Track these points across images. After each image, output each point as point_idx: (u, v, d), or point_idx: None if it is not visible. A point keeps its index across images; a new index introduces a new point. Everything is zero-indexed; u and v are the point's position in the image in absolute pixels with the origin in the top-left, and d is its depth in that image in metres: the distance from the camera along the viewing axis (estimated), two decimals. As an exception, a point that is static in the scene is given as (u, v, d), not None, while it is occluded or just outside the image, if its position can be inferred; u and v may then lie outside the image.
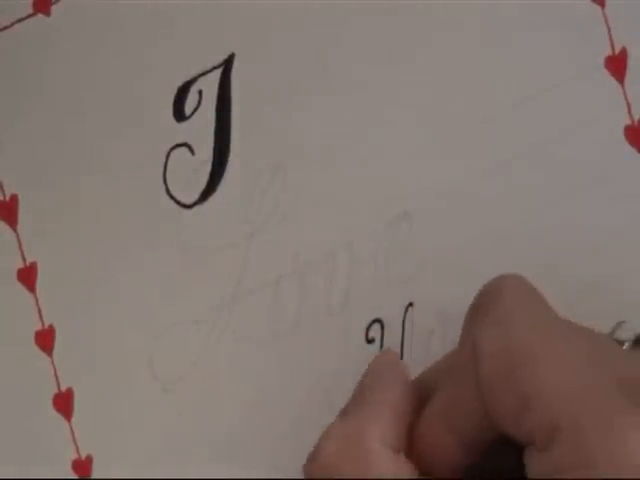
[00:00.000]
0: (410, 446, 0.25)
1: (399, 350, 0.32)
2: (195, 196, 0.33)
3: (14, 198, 0.35)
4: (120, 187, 0.34)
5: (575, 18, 0.31)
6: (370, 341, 0.32)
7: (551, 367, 0.23)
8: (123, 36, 0.34)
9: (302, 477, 0.26)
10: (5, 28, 0.35)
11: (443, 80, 0.32)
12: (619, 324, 0.26)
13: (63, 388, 0.34)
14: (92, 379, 0.33)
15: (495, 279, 0.26)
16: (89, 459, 0.33)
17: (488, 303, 0.25)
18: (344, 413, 0.26)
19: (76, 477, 0.33)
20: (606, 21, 0.31)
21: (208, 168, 0.33)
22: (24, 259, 0.34)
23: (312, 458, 0.25)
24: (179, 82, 0.34)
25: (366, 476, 0.24)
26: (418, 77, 0.32)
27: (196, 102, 0.34)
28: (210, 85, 0.34)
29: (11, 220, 0.34)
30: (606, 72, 0.31)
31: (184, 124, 0.34)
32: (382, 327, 0.32)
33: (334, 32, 0.33)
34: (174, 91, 0.34)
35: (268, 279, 0.33)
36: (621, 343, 0.25)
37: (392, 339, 0.32)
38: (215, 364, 0.33)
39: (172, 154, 0.34)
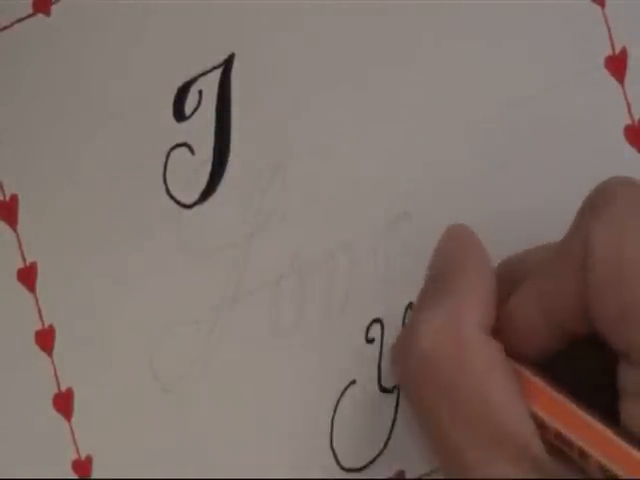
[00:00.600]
0: (498, 325, 0.26)
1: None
2: (195, 196, 0.33)
3: (14, 198, 0.34)
4: (120, 187, 0.34)
5: (575, 18, 0.31)
6: (370, 341, 0.32)
7: None
8: (123, 36, 0.34)
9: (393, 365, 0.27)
10: (5, 28, 0.35)
11: (443, 80, 0.32)
12: None
13: (63, 388, 0.34)
14: (92, 379, 0.33)
15: (610, 179, 0.25)
16: (89, 459, 0.33)
17: (603, 202, 0.24)
18: (434, 293, 0.26)
19: (76, 477, 0.33)
20: (606, 21, 0.31)
21: (208, 168, 0.33)
22: (24, 259, 0.34)
23: (409, 336, 0.25)
24: (179, 82, 0.34)
25: (461, 366, 0.24)
26: (418, 77, 0.32)
27: (196, 102, 0.34)
28: (210, 85, 0.34)
29: (11, 220, 0.34)
30: (606, 72, 0.31)
31: (184, 124, 0.34)
32: (382, 327, 0.32)
33: (334, 32, 0.33)
34: (174, 91, 0.34)
35: (268, 279, 0.33)
36: None
37: (392, 339, 0.32)
38: (215, 364, 0.33)
39: (172, 154, 0.34)
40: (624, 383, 0.24)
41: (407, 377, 0.26)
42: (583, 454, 0.24)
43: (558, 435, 0.24)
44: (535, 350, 0.26)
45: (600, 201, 0.25)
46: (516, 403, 0.24)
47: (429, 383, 0.25)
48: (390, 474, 0.31)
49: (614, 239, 0.24)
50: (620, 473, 0.23)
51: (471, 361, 0.24)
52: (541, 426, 0.25)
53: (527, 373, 0.25)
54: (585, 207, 0.25)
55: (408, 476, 0.31)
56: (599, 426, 0.24)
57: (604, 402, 0.24)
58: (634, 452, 0.23)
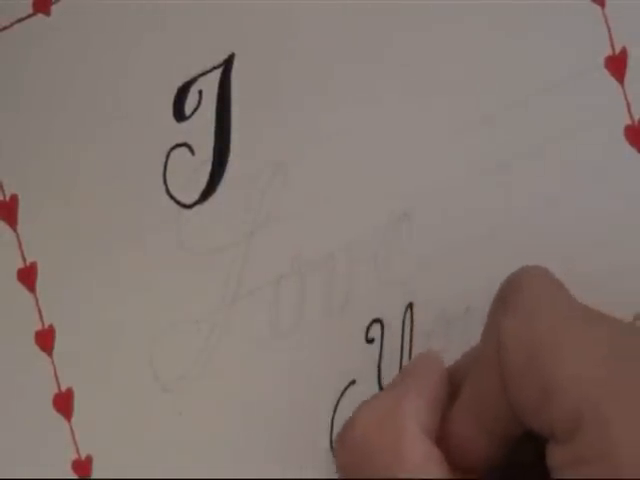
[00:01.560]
0: (440, 435, 0.26)
1: (399, 350, 0.32)
2: (195, 196, 0.33)
3: (14, 198, 0.35)
4: (120, 187, 0.34)
5: (575, 18, 0.31)
6: (370, 341, 0.32)
7: (572, 356, 0.23)
8: (123, 36, 0.34)
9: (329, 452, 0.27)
10: (5, 28, 0.35)
11: (443, 80, 0.32)
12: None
13: (63, 388, 0.34)
14: (92, 379, 0.33)
15: (518, 271, 0.26)
16: (89, 459, 0.33)
17: (511, 294, 0.25)
18: (385, 391, 0.26)
19: (76, 477, 0.33)
20: (606, 21, 0.31)
21: (208, 168, 0.33)
22: (24, 259, 0.34)
23: (347, 426, 0.25)
24: (179, 82, 0.34)
25: (397, 455, 0.24)
26: (418, 77, 0.32)
27: (196, 102, 0.34)
28: (210, 85, 0.34)
29: (11, 220, 0.34)
30: (606, 72, 0.31)
31: (184, 124, 0.34)
32: (382, 327, 0.32)
33: (334, 32, 0.33)
34: (174, 91, 0.34)
35: (268, 279, 0.33)
36: None
37: (392, 339, 0.32)
38: (215, 364, 0.33)
39: (172, 154, 0.34)
40: (552, 461, 0.23)
41: (342, 465, 0.26)
42: None
43: None
44: (476, 459, 0.25)
45: (508, 292, 0.25)
46: None
47: (362, 471, 0.25)
48: (390, 474, 0.31)
49: (522, 328, 0.24)
50: None
51: (407, 455, 0.24)
52: None
53: None
54: (495, 301, 0.26)
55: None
56: None
57: None
58: None
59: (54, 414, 0.34)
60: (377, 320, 0.32)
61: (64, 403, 0.34)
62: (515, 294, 0.25)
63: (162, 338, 0.33)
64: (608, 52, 0.31)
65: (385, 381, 0.32)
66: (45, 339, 0.34)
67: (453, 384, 0.27)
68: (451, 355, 0.28)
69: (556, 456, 0.23)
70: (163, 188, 0.34)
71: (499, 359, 0.24)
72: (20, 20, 0.35)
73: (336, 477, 0.31)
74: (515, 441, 0.25)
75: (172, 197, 0.34)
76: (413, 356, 0.31)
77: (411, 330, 0.32)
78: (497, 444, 0.25)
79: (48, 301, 0.34)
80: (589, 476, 0.21)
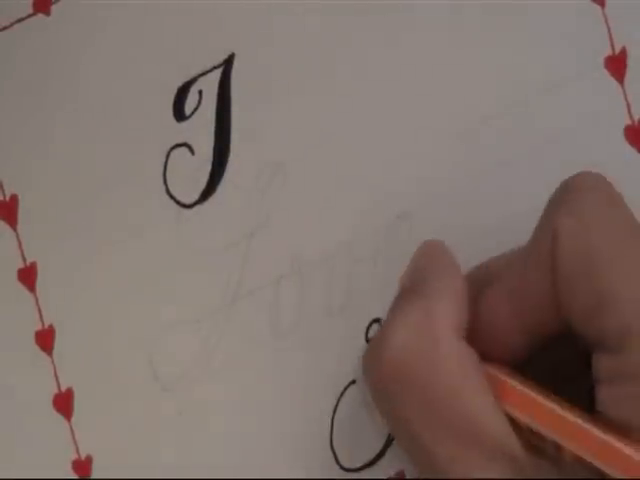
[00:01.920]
0: (470, 329, 0.26)
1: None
2: (195, 196, 0.33)
3: (14, 198, 0.34)
4: (120, 187, 0.34)
5: (575, 18, 0.31)
6: (370, 341, 0.32)
7: (628, 272, 0.23)
8: (123, 36, 0.34)
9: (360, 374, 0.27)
10: (5, 28, 0.35)
11: (444, 80, 0.32)
12: None
13: (63, 388, 0.34)
14: (92, 379, 0.33)
15: (578, 174, 0.25)
16: (89, 459, 0.33)
17: (570, 198, 0.25)
18: (408, 298, 0.26)
19: (76, 477, 0.33)
20: (606, 21, 0.31)
21: (208, 168, 0.33)
22: (24, 259, 0.34)
23: (382, 339, 0.25)
24: (179, 82, 0.34)
25: (436, 364, 0.24)
26: (419, 77, 0.32)
27: (196, 102, 0.34)
28: (210, 85, 0.34)
29: (11, 220, 0.34)
30: (606, 72, 0.31)
31: (184, 124, 0.34)
32: (382, 327, 0.32)
33: (334, 32, 0.33)
34: (174, 91, 0.34)
35: (268, 279, 0.33)
36: None
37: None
38: (215, 364, 0.33)
39: (172, 154, 0.34)
40: (598, 371, 0.24)
41: (379, 380, 0.25)
42: (558, 448, 0.24)
43: (533, 433, 0.24)
44: (509, 352, 0.26)
45: (565, 196, 0.25)
46: (489, 404, 0.24)
47: (401, 383, 0.25)
48: (390, 474, 0.31)
49: (581, 230, 0.24)
50: (595, 462, 0.23)
51: (445, 361, 0.24)
52: (517, 426, 0.25)
53: (499, 374, 0.25)
54: (551, 203, 0.25)
55: (408, 476, 0.31)
56: (570, 417, 0.24)
57: (583, 394, 0.25)
58: (606, 438, 0.23)
59: (54, 414, 0.34)
60: (377, 320, 0.32)
61: (64, 403, 0.34)
62: (575, 195, 0.25)
63: (162, 338, 0.33)
64: (608, 52, 0.31)
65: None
66: (45, 339, 0.34)
67: (476, 282, 0.27)
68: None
69: (602, 364, 0.23)
70: (163, 188, 0.34)
71: (553, 257, 0.24)
72: (20, 20, 0.35)
73: (335, 473, 0.31)
74: (545, 342, 0.25)
75: (172, 197, 0.34)
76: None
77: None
78: (533, 338, 0.25)
79: (48, 301, 0.34)
80: (633, 393, 0.22)
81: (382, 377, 0.25)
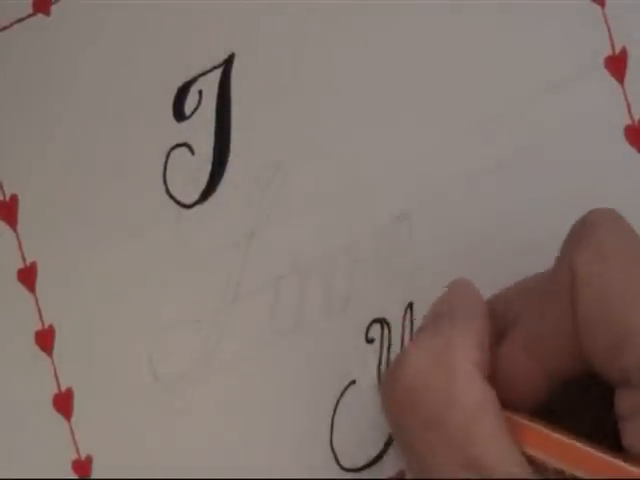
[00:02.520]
0: (491, 373, 0.25)
1: (399, 350, 0.32)
2: (195, 196, 0.33)
3: (14, 198, 0.35)
4: (120, 187, 0.34)
5: (575, 18, 0.31)
6: (370, 341, 0.32)
7: None
8: (123, 36, 0.34)
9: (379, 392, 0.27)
10: (5, 28, 0.35)
11: (444, 80, 0.32)
12: None
13: (63, 388, 0.34)
14: (92, 379, 0.33)
15: (592, 212, 0.25)
16: (89, 459, 0.33)
17: (586, 233, 0.25)
18: (431, 330, 0.26)
19: (76, 477, 0.33)
20: (606, 21, 0.31)
21: (208, 168, 0.33)
22: (24, 259, 0.34)
23: (397, 366, 0.25)
24: (179, 82, 0.34)
25: (451, 394, 0.24)
26: (419, 77, 0.32)
27: (196, 102, 0.34)
28: (210, 85, 0.34)
29: (11, 220, 0.34)
30: (606, 72, 0.31)
31: (184, 124, 0.34)
32: (382, 327, 0.32)
33: (334, 32, 0.33)
34: (174, 91, 0.34)
35: (268, 279, 0.33)
36: None
37: (392, 339, 0.32)
38: (215, 364, 0.33)
39: (172, 154, 0.34)
40: (621, 408, 0.23)
41: (392, 401, 0.25)
42: None
43: (558, 472, 0.24)
44: (529, 398, 0.25)
45: (583, 232, 0.25)
46: (505, 445, 0.24)
47: (414, 412, 0.24)
48: (390, 474, 0.31)
49: (599, 268, 0.24)
50: None
51: (461, 396, 0.24)
52: (540, 467, 0.24)
53: (519, 418, 0.25)
54: (568, 241, 0.25)
55: (408, 476, 0.31)
56: (597, 454, 0.24)
57: (606, 432, 0.24)
58: (634, 471, 0.23)
59: (54, 414, 0.34)
60: (377, 320, 0.32)
61: (64, 403, 0.34)
62: (590, 232, 0.24)
63: (162, 338, 0.33)
64: (608, 52, 0.31)
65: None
66: (45, 339, 0.34)
67: (496, 318, 0.26)
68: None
69: (626, 401, 0.23)
70: (163, 188, 0.34)
71: (572, 297, 0.24)
72: (20, 20, 0.35)
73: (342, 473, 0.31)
74: (563, 383, 0.25)
75: (172, 197, 0.34)
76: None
77: (411, 330, 0.32)
78: (551, 383, 0.25)
79: (48, 301, 0.34)
80: None
81: (396, 404, 0.25)
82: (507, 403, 0.25)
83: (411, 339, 0.26)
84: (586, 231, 0.25)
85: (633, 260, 0.24)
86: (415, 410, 0.24)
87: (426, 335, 0.26)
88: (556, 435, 0.24)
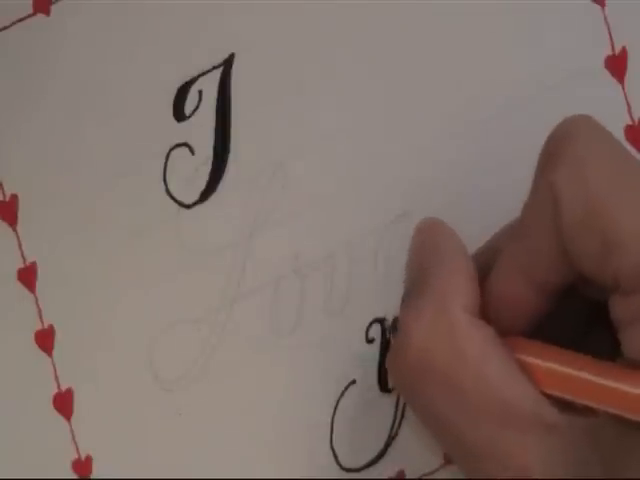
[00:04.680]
0: (483, 304, 0.26)
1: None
2: (195, 196, 0.33)
3: (14, 198, 0.34)
4: (120, 187, 0.34)
5: (575, 18, 0.31)
6: (370, 341, 0.32)
7: (631, 212, 0.23)
8: (123, 36, 0.34)
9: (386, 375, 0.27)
10: (5, 28, 0.35)
11: (443, 80, 0.32)
12: None
13: (63, 388, 0.34)
14: (92, 379, 0.33)
15: (563, 122, 0.25)
16: (89, 459, 0.33)
17: (559, 146, 0.24)
18: (418, 290, 0.26)
19: (76, 477, 0.33)
20: (606, 21, 0.31)
21: (208, 168, 0.33)
22: (24, 259, 0.34)
23: (402, 345, 0.25)
24: (179, 82, 0.34)
25: (457, 352, 0.24)
26: (419, 77, 0.32)
27: (196, 102, 0.34)
28: (210, 85, 0.34)
29: (11, 220, 0.34)
30: (606, 72, 0.31)
31: (184, 124, 0.34)
32: (382, 327, 0.32)
33: (334, 32, 0.33)
34: (174, 91, 0.34)
35: (268, 279, 0.33)
36: None
37: (393, 339, 0.32)
38: (215, 364, 0.33)
39: (172, 154, 0.34)
40: (618, 314, 0.24)
41: (403, 377, 0.26)
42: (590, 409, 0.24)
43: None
44: (524, 318, 0.26)
45: (558, 144, 0.25)
46: (516, 377, 0.24)
47: (426, 378, 0.25)
48: (390, 474, 0.31)
49: (578, 179, 0.24)
50: (628, 415, 0.23)
51: (465, 348, 0.25)
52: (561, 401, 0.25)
53: (517, 353, 0.25)
54: (544, 155, 0.25)
55: (408, 476, 0.31)
56: (594, 379, 0.24)
57: (603, 341, 0.25)
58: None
59: (54, 414, 0.34)
60: (377, 320, 0.32)
61: (64, 403, 0.33)
62: (564, 145, 0.24)
63: (162, 338, 0.33)
64: (608, 52, 0.31)
65: (385, 381, 0.32)
66: (45, 339, 0.34)
67: (480, 261, 0.26)
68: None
69: (621, 307, 0.23)
70: (163, 188, 0.34)
71: (554, 213, 0.24)
72: (20, 20, 0.35)
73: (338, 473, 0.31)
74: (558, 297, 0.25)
75: (172, 197, 0.34)
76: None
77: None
78: (545, 298, 0.25)
79: (48, 301, 0.34)
80: None
81: (408, 377, 0.25)
82: (503, 329, 0.25)
83: (402, 303, 0.26)
84: (560, 144, 0.24)
85: (612, 164, 0.24)
86: (427, 376, 0.25)
87: (416, 299, 0.26)
88: (565, 369, 0.24)
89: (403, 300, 0.27)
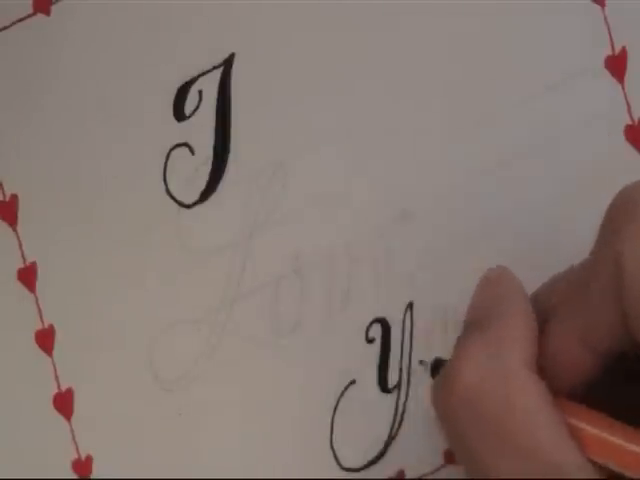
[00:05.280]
0: (538, 363, 0.25)
1: (399, 350, 0.32)
2: (195, 196, 0.33)
3: (14, 198, 0.34)
4: (120, 187, 0.34)
5: (575, 18, 0.31)
6: (370, 341, 0.32)
7: None
8: (123, 36, 0.34)
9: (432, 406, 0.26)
10: (5, 28, 0.35)
11: (444, 80, 0.32)
12: None
13: (63, 388, 0.34)
14: (92, 379, 0.33)
15: (631, 187, 0.25)
16: (89, 459, 0.33)
17: (629, 215, 0.24)
18: (477, 332, 0.26)
19: (76, 477, 0.33)
20: (606, 21, 0.31)
21: (208, 168, 0.33)
22: (24, 259, 0.34)
23: (451, 380, 0.25)
24: (179, 82, 0.34)
25: (509, 402, 0.24)
26: (419, 77, 0.32)
27: (196, 102, 0.34)
28: (210, 85, 0.34)
29: (11, 220, 0.34)
30: (606, 72, 0.31)
31: (184, 124, 0.34)
32: (382, 327, 0.32)
33: (334, 32, 0.33)
34: (174, 91, 0.34)
35: (268, 279, 0.33)
36: None
37: (392, 339, 0.32)
38: (215, 364, 0.33)
39: (172, 154, 0.34)
40: None
41: (448, 413, 0.25)
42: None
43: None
44: (577, 378, 0.25)
45: (625, 215, 0.24)
46: (567, 443, 0.24)
47: (473, 419, 0.24)
48: (390, 474, 0.31)
49: None
50: None
51: (518, 397, 0.24)
52: (602, 468, 0.24)
53: (570, 419, 0.25)
54: (609, 222, 0.25)
55: (408, 476, 0.31)
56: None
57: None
58: None
59: (54, 414, 0.34)
60: (377, 320, 0.32)
61: (64, 403, 0.33)
62: (631, 215, 0.24)
63: (162, 338, 0.33)
64: (608, 52, 0.31)
65: (385, 381, 0.32)
66: (45, 339, 0.34)
67: (539, 310, 0.26)
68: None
69: None
70: (163, 188, 0.34)
71: (618, 285, 0.23)
72: (20, 20, 0.35)
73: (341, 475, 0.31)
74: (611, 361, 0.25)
75: (172, 197, 0.34)
76: (412, 355, 0.30)
77: (411, 330, 0.32)
78: (601, 361, 0.25)
79: (48, 301, 0.34)
80: None
81: (453, 416, 0.25)
82: (554, 386, 0.25)
83: (458, 341, 0.26)
84: (630, 215, 0.24)
85: None
86: (474, 420, 0.24)
87: (473, 339, 0.25)
88: (614, 439, 0.24)
89: (459, 338, 0.26)
